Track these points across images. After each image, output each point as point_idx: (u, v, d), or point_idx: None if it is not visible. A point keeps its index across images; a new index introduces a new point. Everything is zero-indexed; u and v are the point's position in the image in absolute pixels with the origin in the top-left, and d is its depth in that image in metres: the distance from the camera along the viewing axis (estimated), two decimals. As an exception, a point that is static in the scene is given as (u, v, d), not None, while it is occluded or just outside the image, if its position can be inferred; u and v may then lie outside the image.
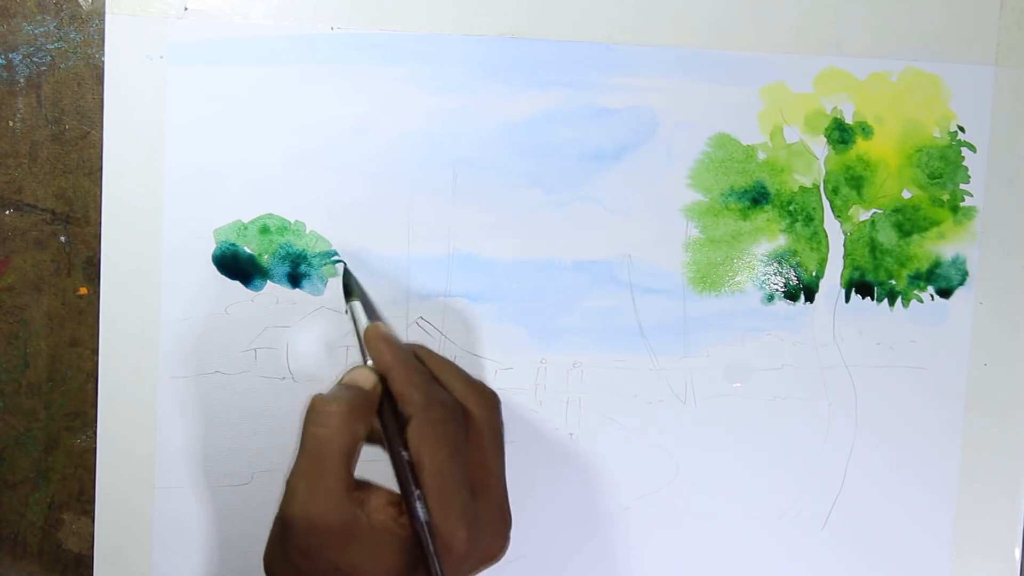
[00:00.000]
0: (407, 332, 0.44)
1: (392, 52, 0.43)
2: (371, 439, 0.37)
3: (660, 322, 0.45)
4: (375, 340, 0.38)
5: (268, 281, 0.43)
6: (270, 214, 0.43)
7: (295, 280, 0.43)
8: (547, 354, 0.45)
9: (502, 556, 0.37)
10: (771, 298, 0.46)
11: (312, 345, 0.44)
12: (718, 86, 0.45)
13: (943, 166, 0.46)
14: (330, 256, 0.44)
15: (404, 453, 0.35)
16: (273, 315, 0.43)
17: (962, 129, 0.46)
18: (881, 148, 0.46)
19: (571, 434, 0.45)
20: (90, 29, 0.43)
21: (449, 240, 0.44)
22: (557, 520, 0.45)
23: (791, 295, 0.46)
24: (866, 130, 0.46)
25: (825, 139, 0.45)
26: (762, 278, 0.46)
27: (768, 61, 0.45)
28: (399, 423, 0.36)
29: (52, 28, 0.43)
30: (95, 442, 0.43)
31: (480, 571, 0.36)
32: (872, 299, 0.46)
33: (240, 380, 0.43)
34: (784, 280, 0.46)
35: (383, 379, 0.37)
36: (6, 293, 0.43)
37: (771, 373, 0.46)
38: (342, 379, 0.37)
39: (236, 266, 0.43)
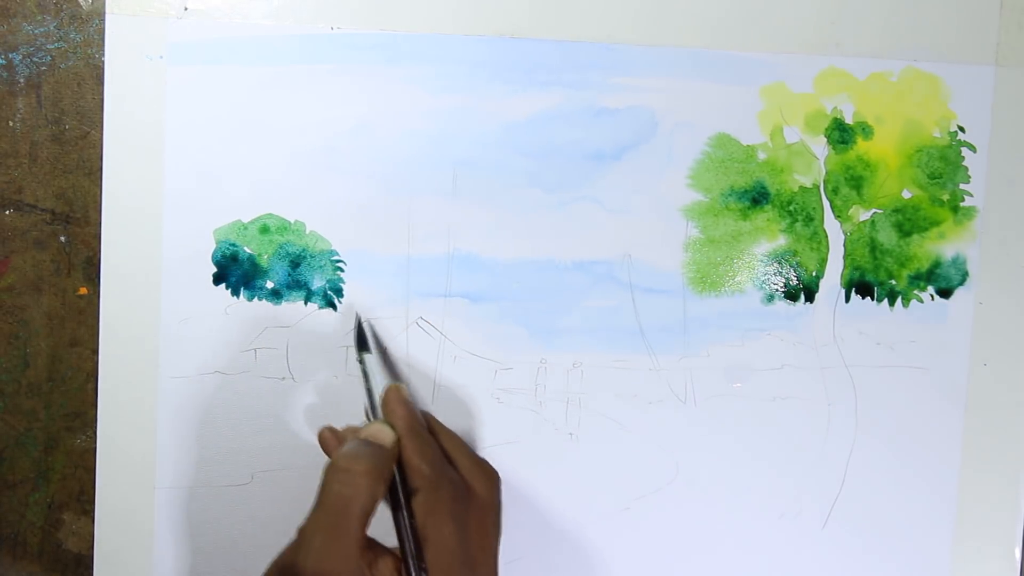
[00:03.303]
0: (407, 332, 0.44)
1: (392, 52, 0.43)
2: None
3: (660, 322, 0.45)
4: (395, 403, 0.39)
5: (268, 281, 0.43)
6: (270, 214, 0.43)
7: (296, 283, 0.43)
8: (547, 354, 0.45)
9: None
10: (771, 298, 0.46)
11: (312, 345, 0.44)
12: (718, 86, 0.45)
13: (943, 166, 0.46)
14: (330, 256, 0.44)
15: (408, 522, 0.36)
16: (273, 315, 0.43)
17: (962, 129, 0.46)
18: (881, 148, 0.46)
19: (571, 434, 0.45)
20: (90, 29, 0.43)
21: (449, 240, 0.44)
22: (557, 520, 0.45)
23: (791, 295, 0.46)
24: (866, 130, 0.46)
25: (825, 139, 0.45)
26: (762, 278, 0.46)
27: (768, 61, 0.45)
28: (406, 491, 0.37)
29: (52, 28, 0.43)
30: (95, 442, 0.43)
31: None
32: (872, 299, 0.46)
33: (240, 380, 0.43)
34: (784, 280, 0.46)
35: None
36: (6, 293, 0.43)
37: (771, 373, 0.46)
38: (361, 433, 0.38)
39: (236, 266, 0.43)
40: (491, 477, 0.39)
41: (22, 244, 0.43)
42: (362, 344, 0.42)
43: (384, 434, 0.37)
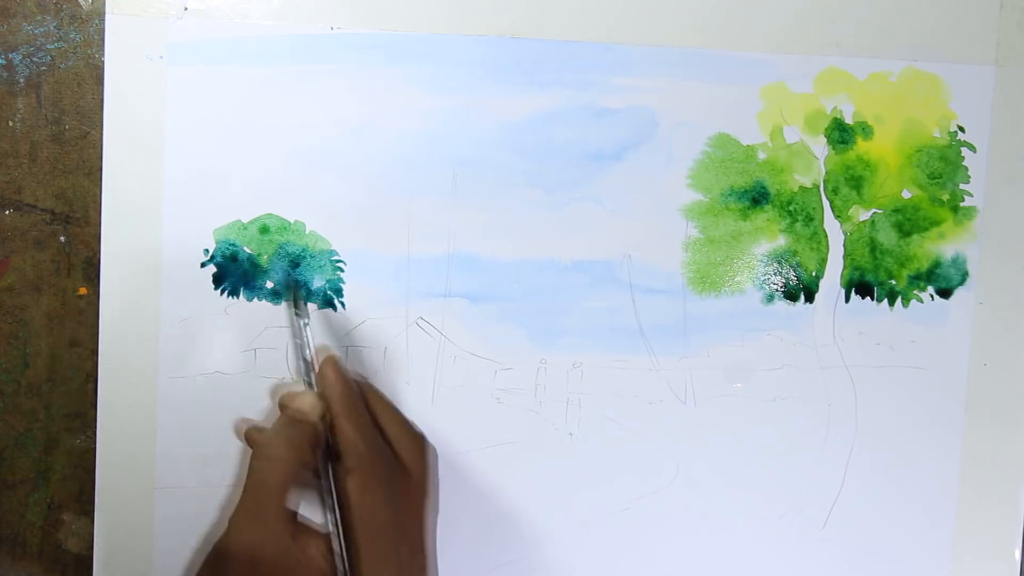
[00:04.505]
0: (407, 332, 0.44)
1: (392, 52, 0.43)
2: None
3: (660, 322, 0.45)
4: (332, 376, 0.39)
5: (268, 281, 0.43)
6: (270, 214, 0.43)
7: (296, 283, 0.43)
8: (547, 354, 0.45)
9: None
10: (771, 298, 0.46)
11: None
12: (718, 86, 0.45)
13: (943, 166, 0.46)
14: (330, 256, 0.44)
15: (337, 499, 0.36)
16: (273, 315, 0.43)
17: (962, 129, 0.46)
18: (881, 148, 0.46)
19: (571, 434, 0.45)
20: (90, 29, 0.43)
21: (449, 240, 0.44)
22: (557, 520, 0.45)
23: (791, 295, 0.46)
24: (866, 130, 0.46)
25: (825, 139, 0.45)
26: (762, 278, 0.46)
27: (768, 61, 0.45)
28: (337, 467, 0.37)
29: (52, 28, 0.43)
30: (95, 442, 0.43)
31: None
32: (872, 299, 0.46)
33: (240, 380, 0.43)
34: (784, 280, 0.46)
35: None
36: (6, 293, 0.43)
37: (771, 373, 0.46)
38: (287, 404, 0.38)
39: (236, 266, 0.43)
40: (420, 445, 0.39)
41: (22, 244, 0.43)
42: (301, 311, 0.41)
43: (312, 408, 0.38)
